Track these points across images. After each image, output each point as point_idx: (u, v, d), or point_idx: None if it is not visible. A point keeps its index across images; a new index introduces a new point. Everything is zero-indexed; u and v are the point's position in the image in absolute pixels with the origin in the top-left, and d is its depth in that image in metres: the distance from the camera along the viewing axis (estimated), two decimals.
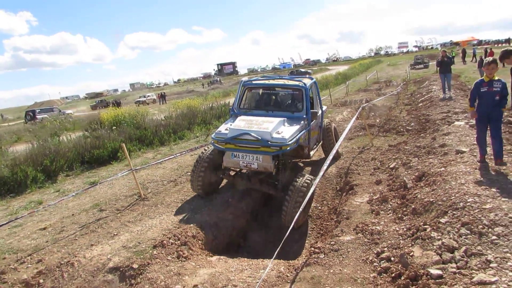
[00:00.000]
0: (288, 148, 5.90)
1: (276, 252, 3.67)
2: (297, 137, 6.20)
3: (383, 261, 3.68)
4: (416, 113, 12.46)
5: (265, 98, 7.68)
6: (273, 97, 7.67)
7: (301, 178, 5.80)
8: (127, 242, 5.20)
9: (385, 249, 3.92)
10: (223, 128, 6.50)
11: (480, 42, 76.15)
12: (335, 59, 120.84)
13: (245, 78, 8.34)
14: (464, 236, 3.41)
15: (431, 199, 4.48)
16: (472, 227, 3.49)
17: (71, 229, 6.06)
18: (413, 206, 4.65)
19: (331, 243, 4.44)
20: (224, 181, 7.43)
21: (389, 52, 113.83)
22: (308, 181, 5.71)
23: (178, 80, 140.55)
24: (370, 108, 17.15)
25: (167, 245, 4.90)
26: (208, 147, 7.23)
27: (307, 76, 8.24)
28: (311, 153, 7.48)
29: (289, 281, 3.73)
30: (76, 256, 4.99)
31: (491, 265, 2.94)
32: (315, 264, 4.00)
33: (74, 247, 5.30)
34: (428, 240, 3.62)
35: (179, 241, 5.03)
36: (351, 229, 4.73)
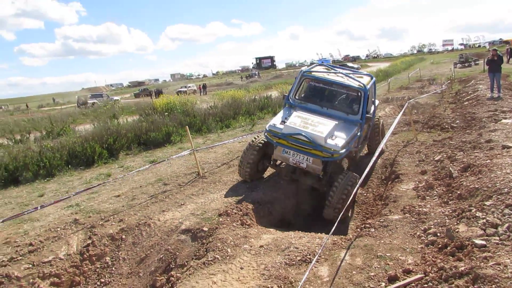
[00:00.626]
0: (339, 157, 6.12)
1: (333, 228, 4.15)
2: (349, 145, 6.35)
3: (430, 235, 4.14)
4: (461, 111, 12.48)
5: (322, 93, 7.55)
6: (331, 93, 7.50)
7: (346, 175, 6.02)
8: (194, 211, 5.93)
9: (432, 226, 4.37)
10: (278, 122, 6.65)
11: None
12: (376, 55, 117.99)
13: (304, 68, 8.34)
14: (507, 215, 3.81)
15: (476, 186, 4.86)
16: None
17: (141, 198, 6.89)
18: (458, 192, 5.04)
19: (380, 220, 4.94)
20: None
21: (433, 50, 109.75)
22: (353, 180, 5.92)
23: (217, 72, 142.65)
24: (413, 105, 17.08)
25: (231, 214, 5.57)
26: (258, 136, 7.35)
27: (367, 73, 8.15)
28: (359, 156, 7.62)
29: (344, 248, 4.27)
30: (151, 219, 5.78)
31: None
32: (367, 235, 4.53)
33: (148, 212, 6.10)
34: (473, 219, 4.03)
35: (241, 212, 5.69)
36: (398, 210, 5.19)
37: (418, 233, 4.33)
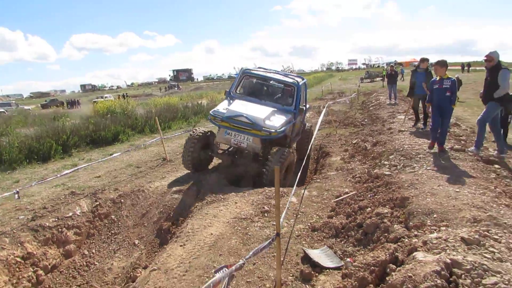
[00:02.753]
0: (277, 135, 6.73)
1: (296, 182, 5.98)
2: (285, 127, 6.97)
3: (356, 178, 6.22)
4: (368, 113, 15.53)
5: (260, 87, 8.36)
6: (267, 88, 8.37)
7: (277, 151, 6.69)
8: (177, 180, 7.31)
9: (357, 174, 6.47)
10: (221, 108, 7.26)
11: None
12: (289, 71, 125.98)
13: (245, 66, 9.14)
14: (402, 160, 6.05)
15: (383, 150, 7.16)
16: (407, 156, 6.15)
17: (122, 176, 8.01)
18: (372, 156, 7.30)
19: (322, 175, 6.95)
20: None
21: (340, 68, 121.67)
22: (285, 154, 6.65)
23: (132, 83, 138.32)
24: (328, 112, 20.18)
25: None
26: (196, 129, 7.75)
27: (298, 75, 9.18)
28: (293, 143, 8.42)
29: (303, 189, 6.14)
30: (142, 187, 7.03)
31: (415, 168, 5.57)
32: (315, 182, 6.47)
33: (136, 183, 7.31)
34: (382, 165, 6.22)
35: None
36: (333, 169, 7.27)
37: (349, 179, 6.39)
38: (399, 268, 2.73)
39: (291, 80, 8.06)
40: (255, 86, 8.45)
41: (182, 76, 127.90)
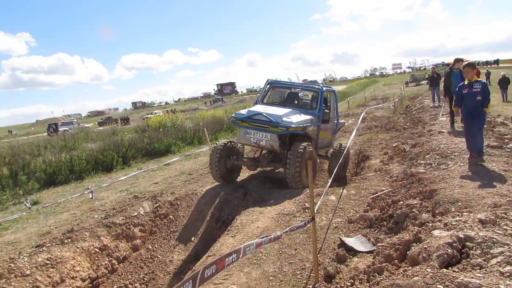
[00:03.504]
0: (294, 131, 6.77)
1: (329, 181, 6.46)
2: (304, 125, 7.05)
3: (393, 178, 6.56)
4: (411, 117, 15.51)
5: (286, 96, 8.52)
6: (293, 96, 8.51)
7: (294, 147, 6.73)
8: (224, 185, 8.03)
9: (394, 174, 6.80)
10: (243, 111, 7.60)
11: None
12: (332, 79, 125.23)
13: (271, 78, 9.26)
14: (438, 159, 6.33)
15: (420, 150, 7.42)
16: (442, 155, 6.42)
17: (177, 182, 8.88)
18: (409, 156, 7.58)
19: (361, 176, 7.34)
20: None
21: (384, 73, 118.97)
22: (302, 148, 6.64)
23: (179, 99, 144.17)
24: (371, 118, 20.26)
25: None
26: (217, 142, 8.17)
27: (328, 86, 9.19)
28: (319, 150, 8.20)
29: (341, 188, 6.58)
30: (195, 190, 7.81)
31: (449, 165, 5.84)
32: (354, 183, 6.89)
33: (190, 188, 8.11)
34: (418, 165, 6.53)
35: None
36: (372, 171, 7.63)
37: (386, 179, 6.75)
38: (419, 244, 3.16)
39: (314, 86, 8.41)
40: (280, 95, 8.70)
41: (226, 89, 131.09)
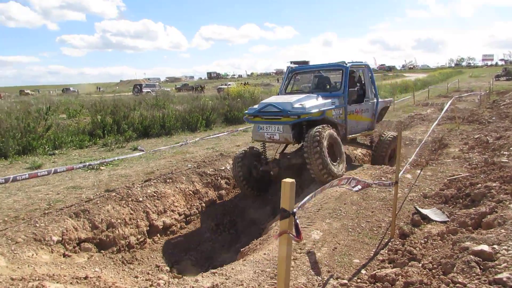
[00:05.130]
0: (308, 118, 5.98)
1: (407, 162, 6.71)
2: (322, 109, 6.23)
3: (473, 165, 6.64)
4: (497, 111, 14.67)
5: (309, 81, 8.05)
6: (316, 80, 7.85)
7: (308, 136, 5.84)
8: None
9: (473, 162, 6.86)
10: (256, 105, 6.91)
11: None
12: (412, 66, 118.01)
13: (291, 65, 8.44)
14: None
15: (505, 142, 7.32)
16: None
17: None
18: (492, 147, 7.51)
19: (438, 161, 7.47)
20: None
21: (472, 64, 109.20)
22: (316, 135, 5.74)
23: (251, 73, 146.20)
24: (452, 110, 19.35)
25: None
26: (238, 150, 7.77)
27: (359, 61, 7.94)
28: (350, 136, 7.27)
29: (419, 169, 6.83)
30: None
31: None
32: (431, 166, 7.08)
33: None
34: (501, 155, 6.53)
35: None
36: (450, 158, 7.70)
37: (465, 165, 6.83)
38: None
39: (337, 63, 7.39)
40: (303, 81, 8.27)
41: None
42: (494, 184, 4.65)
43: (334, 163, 6.08)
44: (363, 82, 7.88)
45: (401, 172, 4.76)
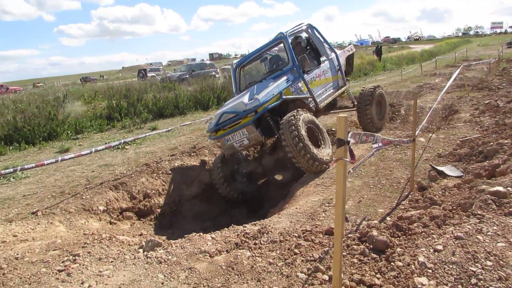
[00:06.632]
0: (267, 107, 5.52)
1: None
2: (276, 91, 5.81)
3: (484, 128, 6.90)
4: (508, 77, 14.73)
5: (257, 69, 7.66)
6: (264, 65, 7.47)
7: (283, 122, 5.39)
8: None
9: (485, 125, 7.11)
10: (213, 119, 6.37)
11: None
12: (417, 38, 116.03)
13: (235, 61, 7.90)
14: None
15: None
16: None
17: None
18: (503, 110, 7.73)
19: (450, 125, 7.73)
20: None
21: (480, 33, 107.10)
22: (291, 119, 5.29)
23: None
24: (460, 78, 19.37)
25: None
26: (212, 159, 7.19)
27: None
28: (323, 104, 6.88)
29: (431, 132, 7.10)
30: None
31: None
32: (442, 129, 7.35)
33: None
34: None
35: None
36: (461, 122, 7.95)
37: (476, 128, 7.09)
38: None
39: (274, 37, 6.78)
40: (251, 72, 7.73)
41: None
42: (506, 141, 4.93)
43: (318, 149, 5.55)
44: (313, 44, 7.39)
45: (418, 130, 5.06)
